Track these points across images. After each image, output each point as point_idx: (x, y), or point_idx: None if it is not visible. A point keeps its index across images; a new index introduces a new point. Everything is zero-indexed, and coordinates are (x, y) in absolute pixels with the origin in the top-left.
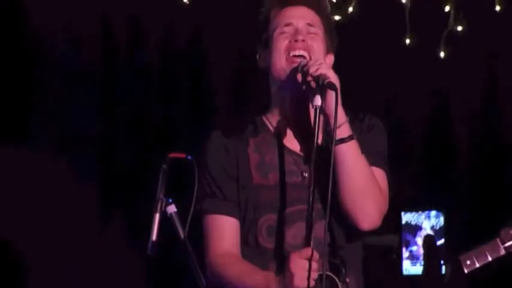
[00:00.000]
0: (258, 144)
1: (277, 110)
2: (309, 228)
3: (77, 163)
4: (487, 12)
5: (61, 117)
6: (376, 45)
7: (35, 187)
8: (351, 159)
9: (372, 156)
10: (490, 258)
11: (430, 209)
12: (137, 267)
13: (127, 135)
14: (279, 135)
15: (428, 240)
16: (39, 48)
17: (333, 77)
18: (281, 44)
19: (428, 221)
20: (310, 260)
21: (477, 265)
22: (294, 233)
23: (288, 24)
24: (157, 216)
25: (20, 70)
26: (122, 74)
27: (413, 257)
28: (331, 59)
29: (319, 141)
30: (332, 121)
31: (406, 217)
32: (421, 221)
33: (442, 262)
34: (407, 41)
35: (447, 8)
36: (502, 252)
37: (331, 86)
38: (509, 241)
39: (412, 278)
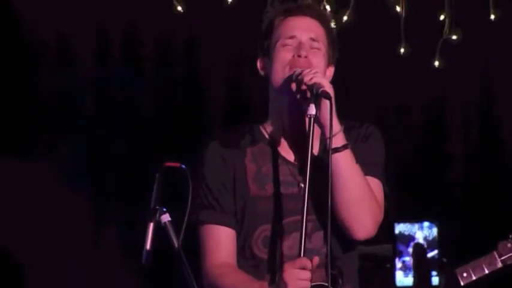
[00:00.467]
0: (255, 154)
1: (275, 119)
2: (303, 237)
3: (70, 172)
4: (481, 21)
5: (55, 124)
6: (371, 54)
7: (29, 197)
8: (345, 168)
9: (367, 166)
10: (486, 271)
11: (423, 220)
12: (132, 276)
13: (121, 143)
14: (276, 145)
15: (418, 249)
16: (34, 56)
17: (328, 86)
18: (284, 56)
19: (422, 232)
20: (307, 269)
21: (474, 277)
22: (290, 244)
23: (291, 37)
24: (151, 225)
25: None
26: (117, 81)
27: (406, 268)
28: (331, 71)
29: (314, 151)
30: (327, 130)
31: (399, 227)
32: (414, 231)
33: (432, 272)
34: (402, 50)
35: (442, 17)
36: (499, 265)
37: (326, 95)
38: (506, 254)
39: None
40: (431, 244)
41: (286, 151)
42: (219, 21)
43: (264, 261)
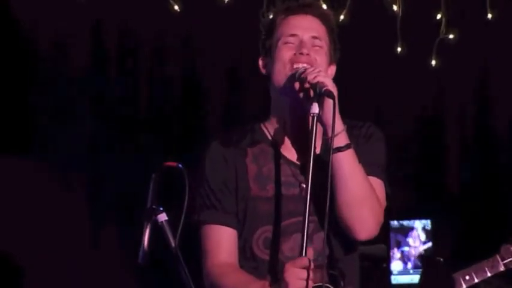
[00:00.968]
0: (256, 154)
1: (276, 119)
2: (305, 238)
3: (67, 171)
4: (478, 20)
5: (52, 123)
6: (367, 54)
7: (26, 196)
8: (347, 168)
9: (369, 166)
10: (489, 274)
11: (419, 218)
12: (128, 275)
13: (117, 142)
14: (278, 145)
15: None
16: (29, 56)
17: (331, 85)
18: (285, 54)
19: (420, 221)
20: (308, 269)
21: (476, 280)
22: (291, 245)
23: (293, 35)
24: (148, 224)
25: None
26: (112, 82)
27: (404, 258)
28: (333, 69)
29: (316, 150)
30: (329, 130)
31: (395, 223)
32: (412, 223)
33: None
34: (399, 49)
35: (438, 16)
36: (502, 268)
37: (329, 94)
38: (509, 258)
39: (402, 287)
40: (428, 235)
41: (287, 151)
42: (216, 20)
43: (264, 262)
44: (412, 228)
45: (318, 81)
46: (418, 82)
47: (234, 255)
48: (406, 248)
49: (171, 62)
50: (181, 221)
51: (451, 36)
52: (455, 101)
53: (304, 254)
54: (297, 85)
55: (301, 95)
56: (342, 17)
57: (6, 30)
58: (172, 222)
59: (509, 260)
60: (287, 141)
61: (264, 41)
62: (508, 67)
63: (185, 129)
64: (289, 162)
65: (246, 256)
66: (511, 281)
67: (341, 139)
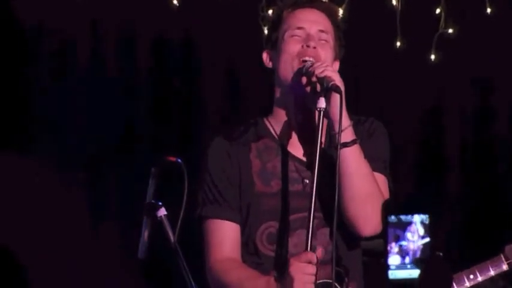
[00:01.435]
0: (260, 149)
1: (280, 113)
2: (309, 233)
3: (66, 167)
4: (477, 15)
5: (51, 119)
6: (367, 49)
7: (25, 191)
8: (353, 164)
9: (373, 162)
10: (492, 273)
11: (417, 213)
12: (128, 270)
13: (119, 138)
14: (282, 140)
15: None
16: (28, 50)
17: (338, 80)
18: (293, 47)
19: (419, 216)
20: (313, 264)
21: (479, 279)
22: (296, 242)
23: (300, 28)
24: (147, 219)
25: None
26: (111, 79)
27: (402, 252)
28: (337, 65)
29: (324, 145)
30: (336, 125)
31: (393, 218)
32: (410, 218)
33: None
34: (398, 44)
35: (438, 10)
36: (505, 268)
37: (336, 89)
38: None
39: (399, 282)
40: (427, 230)
41: (292, 146)
42: (215, 16)
43: (268, 258)
44: (410, 223)
45: (325, 76)
46: (418, 77)
47: (237, 251)
48: (404, 243)
49: (170, 58)
50: (181, 215)
51: (450, 30)
52: (455, 96)
53: (308, 250)
54: (304, 79)
55: (308, 89)
56: (341, 11)
57: (6, 28)
58: (172, 217)
59: None
60: (292, 137)
61: (270, 34)
62: (508, 61)
63: (185, 125)
64: (293, 157)
65: (249, 251)
66: None
67: (347, 134)
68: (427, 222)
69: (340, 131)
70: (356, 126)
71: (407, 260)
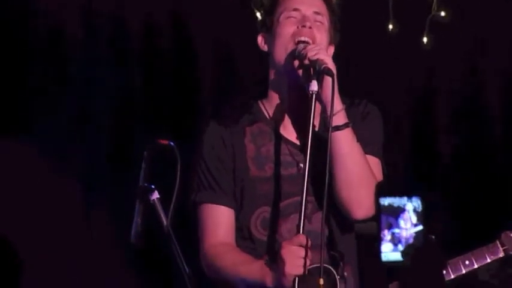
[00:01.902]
0: (254, 134)
1: (275, 96)
2: (302, 218)
3: (58, 152)
4: None
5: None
6: (359, 32)
7: (15, 178)
8: (346, 147)
9: (366, 145)
10: (489, 260)
11: (409, 196)
12: (121, 255)
13: (109, 120)
14: (276, 124)
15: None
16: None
17: (330, 64)
18: (288, 29)
19: (411, 203)
20: (306, 247)
21: (475, 266)
22: (289, 227)
23: (296, 10)
24: (140, 203)
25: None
26: (104, 59)
27: (395, 240)
28: (331, 50)
29: (318, 128)
30: (328, 108)
31: (388, 200)
32: (403, 203)
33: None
34: (390, 27)
35: None
36: (501, 254)
37: (328, 72)
38: (508, 244)
39: (392, 264)
40: (419, 218)
41: (286, 130)
42: None
43: (262, 243)
44: (403, 210)
45: (317, 59)
46: (409, 60)
47: (232, 235)
48: (397, 230)
49: (163, 39)
50: (173, 199)
51: (442, 13)
52: (446, 79)
53: (301, 233)
54: (296, 63)
55: (300, 72)
56: None
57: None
58: (164, 200)
59: (509, 246)
60: (286, 120)
61: (265, 17)
62: (500, 44)
63: (177, 107)
64: (288, 141)
65: (243, 236)
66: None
67: (340, 118)
68: (419, 209)
69: (332, 114)
70: (349, 109)
71: (399, 247)
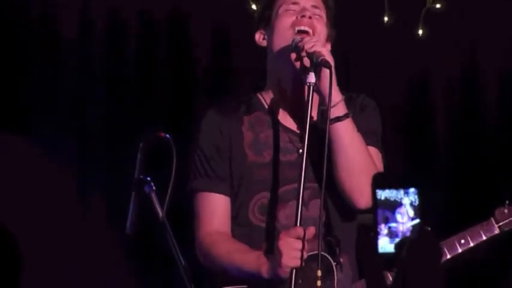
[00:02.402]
0: (252, 122)
1: (273, 88)
2: (300, 206)
3: (52, 143)
4: None
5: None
6: (354, 24)
7: (10, 168)
8: (347, 137)
9: (366, 136)
10: (484, 237)
11: (405, 187)
12: (116, 246)
13: (103, 111)
14: (275, 113)
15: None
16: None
17: (328, 56)
18: (287, 20)
19: (408, 197)
20: (303, 239)
21: (471, 244)
22: (288, 213)
23: (294, 3)
24: (135, 194)
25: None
26: (99, 47)
27: (392, 234)
28: (328, 47)
29: (316, 119)
30: (327, 99)
31: (384, 193)
32: (400, 197)
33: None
34: (386, 19)
35: None
36: (496, 231)
37: (325, 64)
38: (503, 220)
39: (389, 255)
40: (416, 211)
41: (285, 119)
42: None
43: (259, 229)
44: (400, 204)
45: (315, 51)
46: (405, 52)
47: (227, 224)
48: (393, 224)
49: (160, 29)
50: (169, 190)
51: (437, 5)
52: (443, 71)
53: (298, 223)
54: (293, 55)
55: (297, 64)
56: None
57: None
58: (160, 192)
59: (504, 222)
60: (285, 111)
61: (263, 13)
62: (496, 37)
63: (172, 97)
64: (287, 129)
65: (239, 223)
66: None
67: (340, 109)
68: (416, 203)
69: (330, 105)
70: (348, 102)
71: (396, 242)
